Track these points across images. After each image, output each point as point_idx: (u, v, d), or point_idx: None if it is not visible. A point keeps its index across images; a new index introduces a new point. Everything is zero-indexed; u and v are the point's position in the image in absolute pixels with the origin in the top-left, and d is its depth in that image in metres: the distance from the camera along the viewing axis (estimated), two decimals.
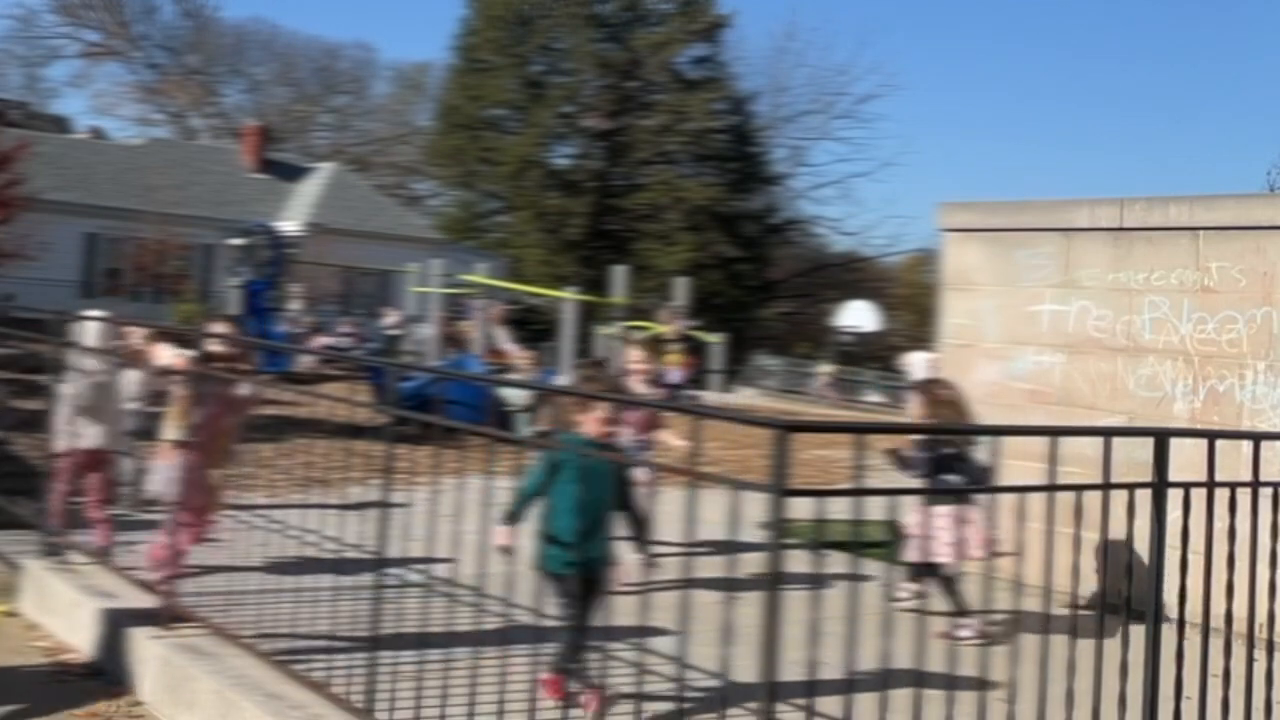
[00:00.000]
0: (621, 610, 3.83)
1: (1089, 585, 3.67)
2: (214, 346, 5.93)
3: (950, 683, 3.49)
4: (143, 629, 5.52)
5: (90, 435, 6.73)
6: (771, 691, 3.06)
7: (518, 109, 49.32)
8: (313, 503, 6.70)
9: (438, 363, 20.67)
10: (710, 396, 22.69)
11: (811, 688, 3.13)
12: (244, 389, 5.79)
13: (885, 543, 4.26)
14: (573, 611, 4.63)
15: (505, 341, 18.15)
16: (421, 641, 4.70)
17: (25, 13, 59.92)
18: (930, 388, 6.91)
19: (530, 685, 3.95)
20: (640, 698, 3.97)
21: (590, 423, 4.68)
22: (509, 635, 4.62)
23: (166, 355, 6.21)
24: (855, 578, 3.43)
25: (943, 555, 5.99)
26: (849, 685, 3.23)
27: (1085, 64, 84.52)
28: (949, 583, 6.14)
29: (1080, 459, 3.91)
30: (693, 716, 3.97)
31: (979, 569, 3.43)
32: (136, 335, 8.52)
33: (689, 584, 3.75)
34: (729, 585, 3.64)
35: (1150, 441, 3.89)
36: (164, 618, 5.47)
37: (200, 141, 49.13)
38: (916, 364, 22.32)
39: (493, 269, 31.43)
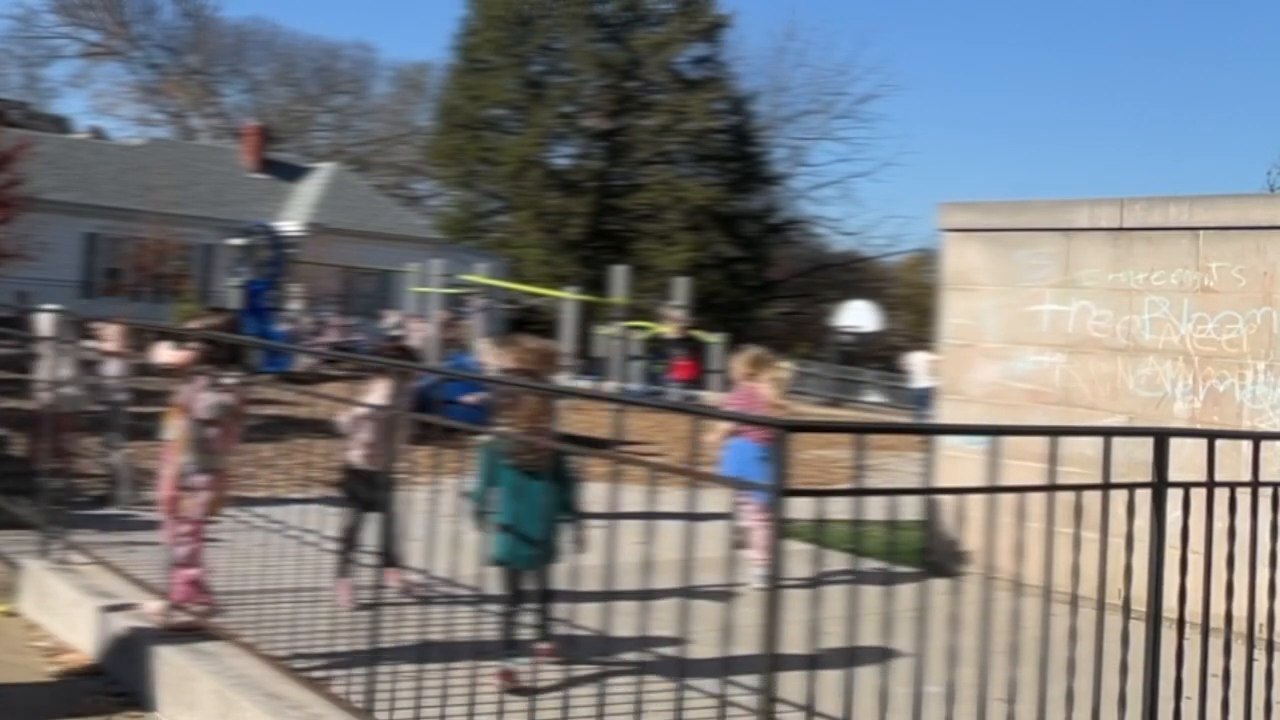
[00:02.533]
0: (621, 610, 3.83)
1: (1089, 585, 3.66)
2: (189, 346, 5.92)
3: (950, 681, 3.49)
4: (143, 629, 5.52)
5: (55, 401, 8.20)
6: (771, 692, 3.06)
7: (518, 109, 49.31)
8: (300, 499, 6.71)
9: (437, 363, 20.63)
10: (710, 396, 22.66)
11: (811, 688, 3.13)
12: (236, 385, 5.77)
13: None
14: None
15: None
16: (421, 642, 4.70)
17: (25, 13, 60.01)
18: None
19: (530, 685, 3.95)
20: (640, 697, 3.97)
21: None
22: (510, 635, 4.63)
23: (165, 353, 6.18)
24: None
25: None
26: (849, 685, 3.23)
27: (1085, 64, 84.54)
28: None
29: (1080, 459, 3.91)
30: (692, 716, 3.96)
31: (979, 569, 3.43)
32: (110, 332, 8.57)
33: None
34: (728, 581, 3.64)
35: (1150, 441, 3.89)
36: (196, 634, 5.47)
37: (200, 141, 49.13)
38: (918, 364, 22.35)
39: (493, 269, 31.42)
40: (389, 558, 5.73)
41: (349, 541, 6.24)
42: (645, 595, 3.66)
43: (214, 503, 5.69)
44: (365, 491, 5.92)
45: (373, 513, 5.94)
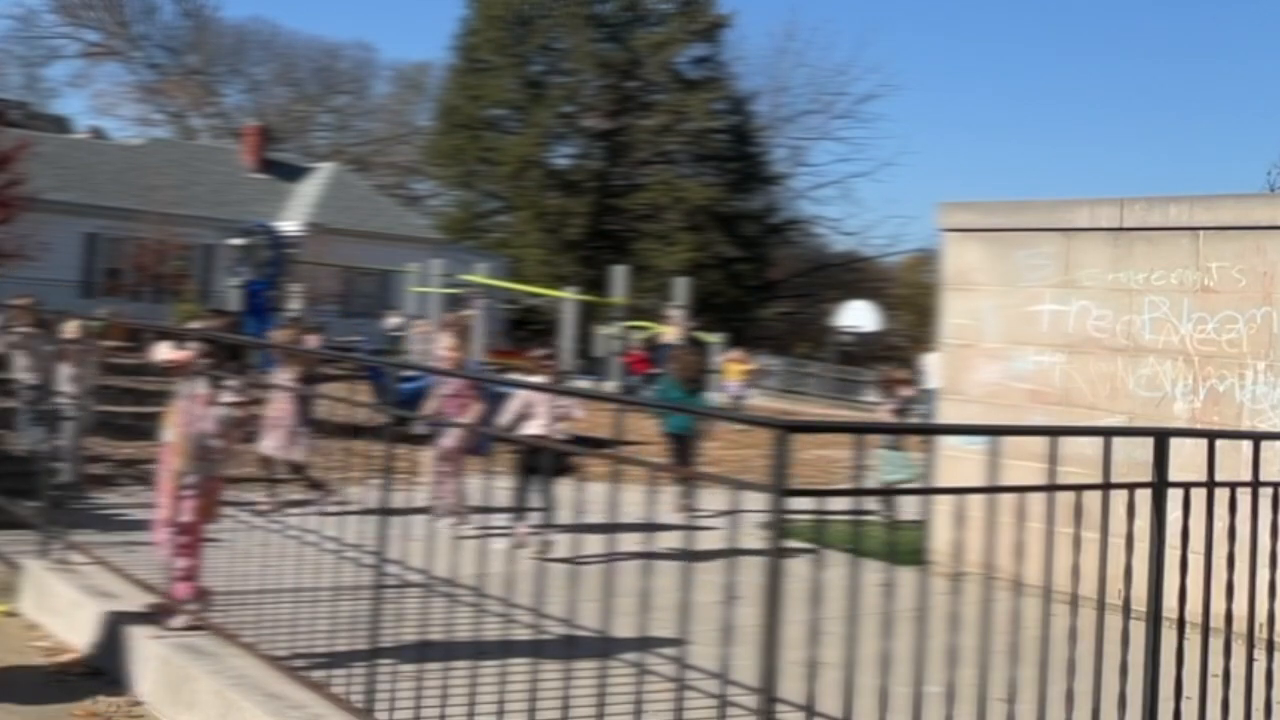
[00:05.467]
0: (621, 610, 3.83)
1: (1089, 585, 3.66)
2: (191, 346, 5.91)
3: (950, 682, 3.49)
4: (143, 629, 5.52)
5: None
6: (771, 692, 3.06)
7: (518, 109, 49.32)
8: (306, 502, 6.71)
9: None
10: (725, 394, 22.67)
11: (811, 688, 3.13)
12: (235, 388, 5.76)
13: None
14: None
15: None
16: (421, 641, 4.70)
17: (25, 13, 60.04)
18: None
19: (530, 685, 3.95)
20: (640, 697, 3.97)
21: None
22: (509, 635, 4.63)
23: (164, 352, 6.18)
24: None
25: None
26: (849, 685, 3.23)
27: (1085, 64, 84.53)
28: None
29: (1080, 459, 3.91)
30: (692, 716, 3.97)
31: (979, 569, 3.43)
32: (70, 328, 8.52)
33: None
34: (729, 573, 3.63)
35: (1150, 441, 3.89)
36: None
37: (200, 141, 49.11)
38: (931, 365, 22.40)
39: (493, 269, 31.42)
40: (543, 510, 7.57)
41: (520, 502, 7.75)
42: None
43: (210, 506, 5.69)
44: (542, 462, 7.26)
45: (540, 480, 7.57)
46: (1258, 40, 75.42)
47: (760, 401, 28.78)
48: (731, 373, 23.45)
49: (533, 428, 7.85)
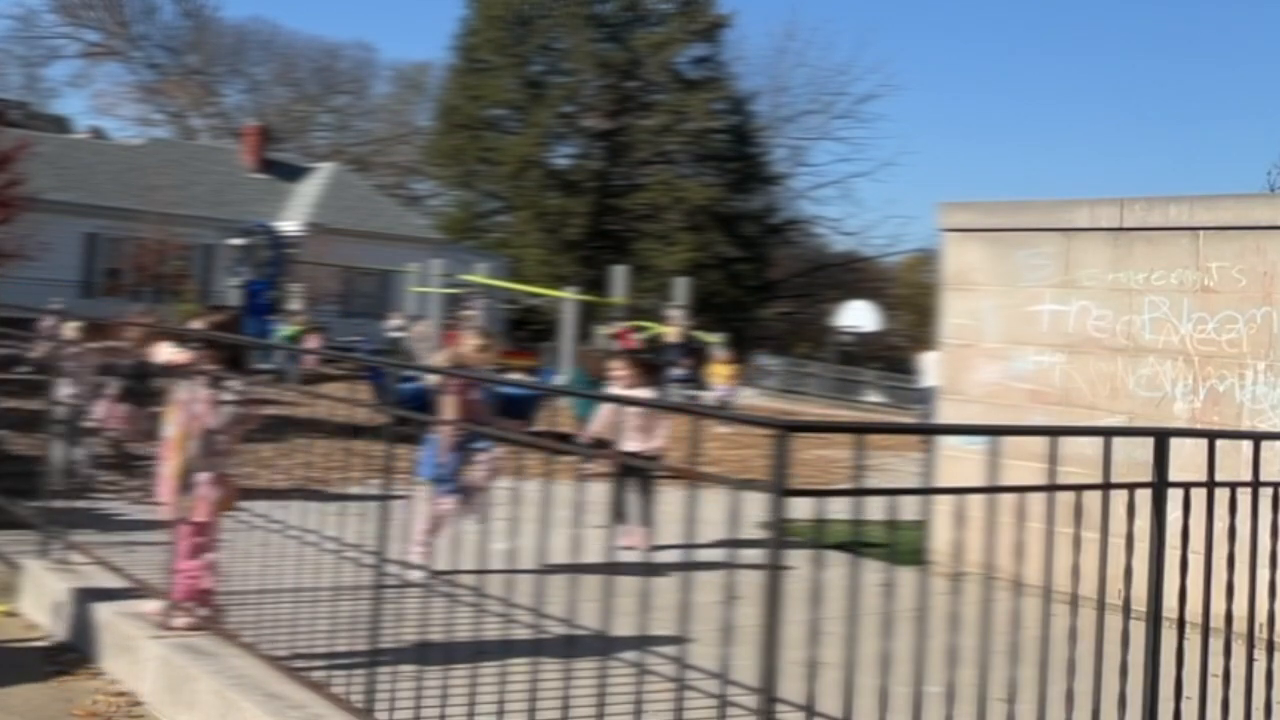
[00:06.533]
0: (621, 610, 3.83)
1: (1089, 585, 3.67)
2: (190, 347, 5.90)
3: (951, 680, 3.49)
4: (143, 629, 5.52)
5: None
6: (771, 692, 3.06)
7: (518, 109, 49.33)
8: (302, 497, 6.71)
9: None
10: (710, 396, 22.67)
11: (811, 688, 3.13)
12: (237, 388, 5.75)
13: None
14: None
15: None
16: (421, 642, 4.70)
17: (25, 13, 60.06)
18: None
19: (530, 685, 3.95)
20: (640, 697, 3.96)
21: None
22: (509, 635, 4.63)
23: (165, 352, 6.18)
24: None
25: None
26: (849, 685, 3.23)
27: (1085, 64, 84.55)
28: None
29: (1080, 459, 3.91)
30: (692, 716, 3.97)
31: (979, 569, 3.43)
32: (70, 328, 8.49)
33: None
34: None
35: (1150, 441, 3.89)
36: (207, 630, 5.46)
37: (200, 141, 49.12)
38: (929, 364, 22.39)
39: (493, 269, 31.42)
40: (645, 520, 8.05)
41: (618, 508, 7.64)
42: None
43: (219, 503, 5.68)
44: (635, 469, 7.94)
45: (635, 485, 8.09)
46: (1258, 41, 75.46)
47: (760, 401, 28.78)
48: (719, 374, 23.64)
49: (630, 442, 8.02)
